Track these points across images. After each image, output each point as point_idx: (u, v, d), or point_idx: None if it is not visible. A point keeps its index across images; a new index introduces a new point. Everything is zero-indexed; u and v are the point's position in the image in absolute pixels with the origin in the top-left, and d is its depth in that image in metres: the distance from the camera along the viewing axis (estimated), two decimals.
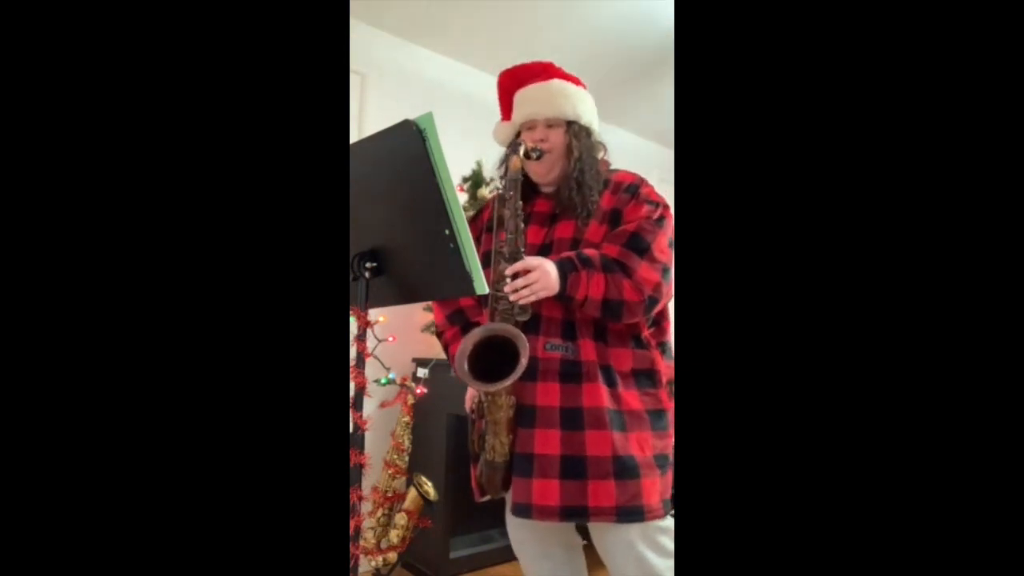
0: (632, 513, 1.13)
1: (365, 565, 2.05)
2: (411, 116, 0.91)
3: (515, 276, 1.11)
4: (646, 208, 1.21)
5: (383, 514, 2.11)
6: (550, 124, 1.27)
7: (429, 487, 2.06)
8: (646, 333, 1.24)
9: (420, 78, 2.75)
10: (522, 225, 1.16)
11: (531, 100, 1.29)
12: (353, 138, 1.13)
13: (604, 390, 1.16)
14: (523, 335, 1.09)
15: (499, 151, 1.38)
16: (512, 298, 1.11)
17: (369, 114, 2.57)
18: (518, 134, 1.31)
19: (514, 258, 1.13)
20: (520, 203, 1.16)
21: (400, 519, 2.06)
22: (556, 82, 1.29)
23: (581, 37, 2.62)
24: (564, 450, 1.13)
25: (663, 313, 1.28)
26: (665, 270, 1.17)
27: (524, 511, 1.15)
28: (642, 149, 3.67)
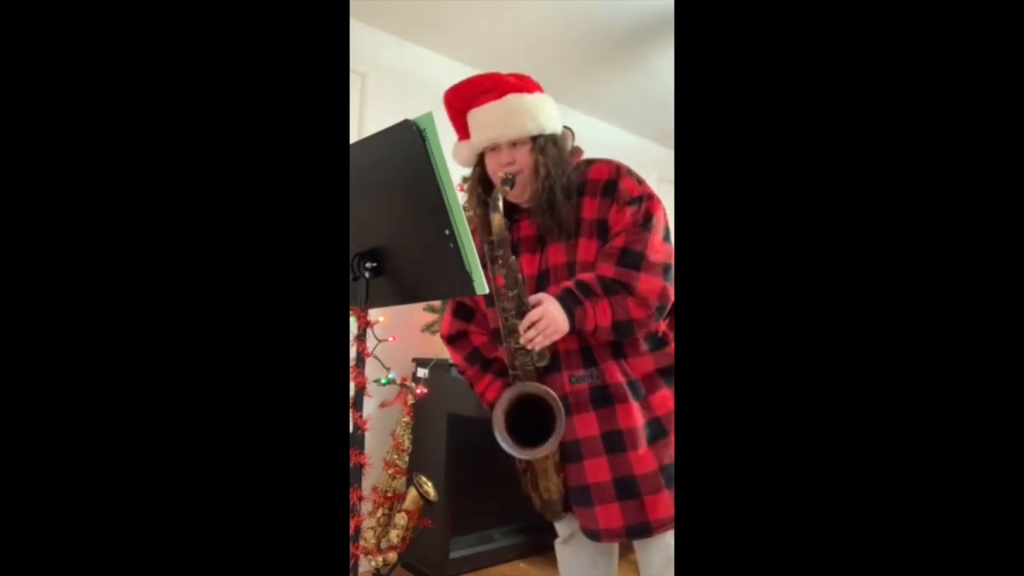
0: None
1: (365, 565, 2.05)
2: (411, 116, 0.91)
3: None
4: (629, 212, 1.17)
5: (383, 514, 2.11)
6: (514, 144, 1.21)
7: (429, 487, 2.06)
8: (662, 328, 1.24)
9: (420, 78, 2.74)
10: (520, 277, 1.14)
11: (490, 122, 1.21)
12: (353, 138, 1.13)
13: (635, 407, 1.17)
14: (551, 391, 1.14)
15: None
16: (528, 347, 1.13)
17: (369, 114, 2.57)
18: (481, 156, 1.26)
19: (521, 313, 1.13)
20: (514, 258, 1.14)
21: (400, 519, 2.05)
22: (512, 98, 1.20)
23: (582, 37, 2.62)
24: (614, 473, 1.17)
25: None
26: (666, 269, 1.16)
27: (594, 536, 1.21)
28: (642, 149, 3.67)
